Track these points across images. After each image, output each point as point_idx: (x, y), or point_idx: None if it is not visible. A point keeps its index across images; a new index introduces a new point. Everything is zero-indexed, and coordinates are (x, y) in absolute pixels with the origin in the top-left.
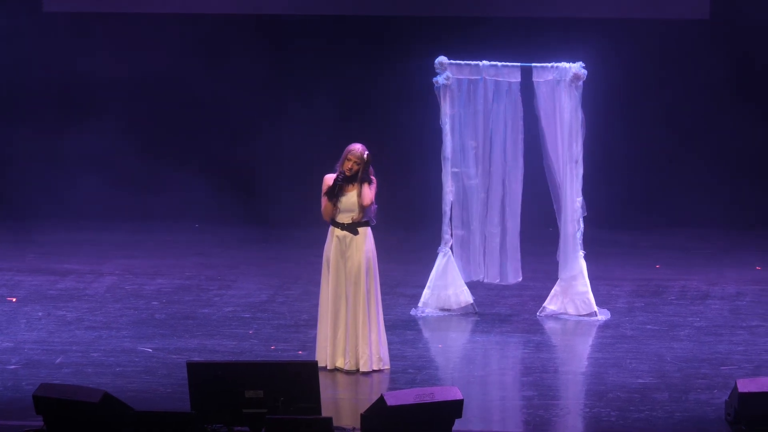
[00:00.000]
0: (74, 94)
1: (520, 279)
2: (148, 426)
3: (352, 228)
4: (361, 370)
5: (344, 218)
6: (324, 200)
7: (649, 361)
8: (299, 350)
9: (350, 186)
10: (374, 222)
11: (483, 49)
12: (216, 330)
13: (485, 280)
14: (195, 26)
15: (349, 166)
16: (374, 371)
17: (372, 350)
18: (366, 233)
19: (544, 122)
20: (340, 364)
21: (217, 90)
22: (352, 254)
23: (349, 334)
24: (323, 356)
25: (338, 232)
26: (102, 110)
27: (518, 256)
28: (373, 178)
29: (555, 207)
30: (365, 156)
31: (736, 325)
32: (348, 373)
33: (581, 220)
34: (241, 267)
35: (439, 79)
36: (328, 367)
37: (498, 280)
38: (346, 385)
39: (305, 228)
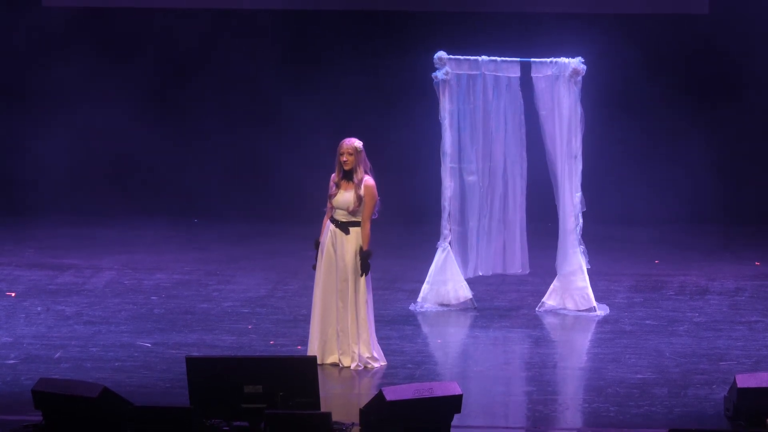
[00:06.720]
0: (72, 92)
1: (528, 272)
2: (147, 421)
3: (344, 227)
4: (352, 368)
5: (338, 215)
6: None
7: (648, 356)
8: (298, 345)
9: (346, 183)
10: (376, 216)
11: (482, 44)
12: (215, 325)
13: (488, 273)
14: (192, 21)
15: (344, 159)
16: (371, 368)
17: (360, 349)
18: (358, 234)
19: (543, 118)
20: (333, 359)
21: (216, 86)
22: (343, 253)
23: (339, 331)
24: (313, 350)
25: (332, 227)
26: (99, 108)
27: (526, 248)
28: (369, 177)
29: (556, 203)
30: (357, 146)
31: (735, 320)
32: (344, 368)
33: (580, 215)
34: (240, 262)
35: (438, 75)
36: (318, 362)
37: (501, 270)
38: (345, 380)
39: (304, 223)
